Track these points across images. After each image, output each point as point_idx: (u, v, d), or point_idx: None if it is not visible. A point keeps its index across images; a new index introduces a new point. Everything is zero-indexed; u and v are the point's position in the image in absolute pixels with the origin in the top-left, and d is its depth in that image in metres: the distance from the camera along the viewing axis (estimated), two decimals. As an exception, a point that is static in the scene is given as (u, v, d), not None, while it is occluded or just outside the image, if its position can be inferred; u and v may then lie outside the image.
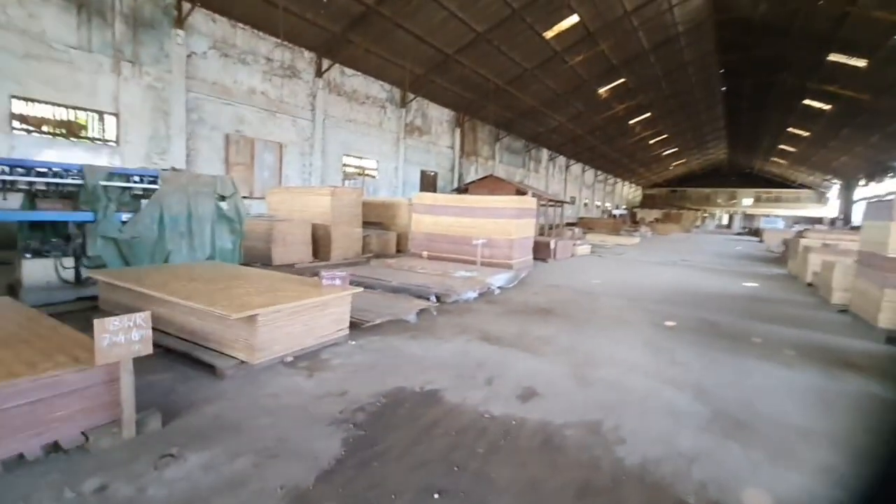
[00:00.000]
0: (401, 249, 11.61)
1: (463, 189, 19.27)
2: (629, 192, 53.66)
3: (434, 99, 20.57)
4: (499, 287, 7.63)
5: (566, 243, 13.25)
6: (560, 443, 2.81)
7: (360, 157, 17.61)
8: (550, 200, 19.82)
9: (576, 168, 36.29)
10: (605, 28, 18.48)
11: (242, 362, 3.60)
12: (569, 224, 27.99)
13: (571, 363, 4.26)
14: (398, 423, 2.96)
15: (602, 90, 24.30)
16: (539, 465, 2.56)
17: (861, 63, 19.43)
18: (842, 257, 8.22)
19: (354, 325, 4.81)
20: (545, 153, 31.45)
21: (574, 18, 17.03)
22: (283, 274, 5.35)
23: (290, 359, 3.89)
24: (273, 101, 14.09)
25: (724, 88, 29.25)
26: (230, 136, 13.00)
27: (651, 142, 36.57)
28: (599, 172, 41.75)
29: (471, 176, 22.88)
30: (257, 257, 8.87)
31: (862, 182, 34.15)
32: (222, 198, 6.94)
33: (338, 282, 4.39)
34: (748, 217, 46.44)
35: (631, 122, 30.25)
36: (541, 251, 11.63)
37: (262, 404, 3.14)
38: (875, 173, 31.59)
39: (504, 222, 9.25)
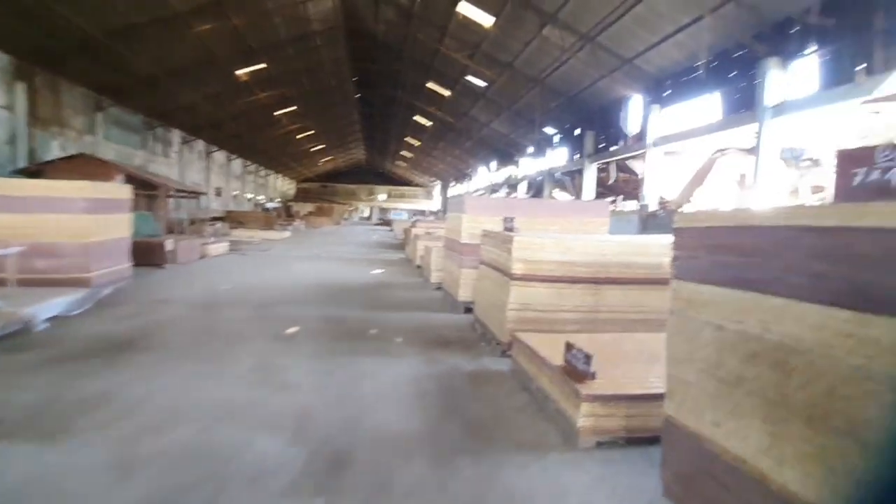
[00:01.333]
0: None
1: (34, 171, 13.34)
2: (283, 185, 53.32)
3: (-38, 27, 13.24)
4: (52, 317, 5.07)
5: (193, 243, 11.03)
6: None
7: None
8: (181, 191, 16.56)
9: (220, 156, 32.49)
10: (238, 2, 16.65)
11: None
12: (215, 219, 24.76)
13: (120, 437, 2.81)
14: None
15: (241, 72, 22.27)
16: None
17: (447, 92, 25.45)
18: (438, 243, 9.96)
19: None
20: (177, 135, 26.47)
21: (193, -25, 14.41)
22: None
23: None
24: None
25: (357, 95, 32.64)
26: None
27: (299, 136, 37.01)
28: (249, 163, 39.18)
29: (52, 153, 16.31)
30: None
31: (452, 183, 45.95)
32: None
33: None
34: (383, 210, 54.82)
35: (276, 112, 29.43)
36: (152, 255, 9.07)
37: None
38: (459, 177, 43.07)
39: (73, 219, 6.40)
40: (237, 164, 36.48)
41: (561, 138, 21.48)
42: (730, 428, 1.81)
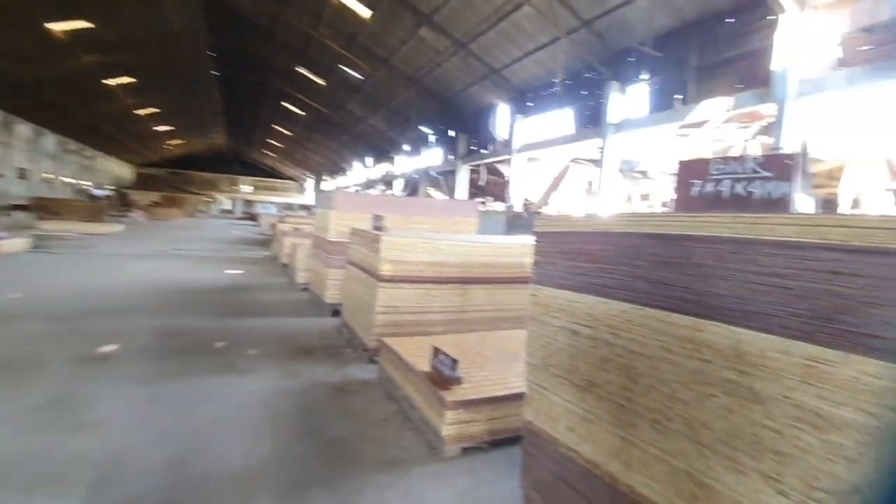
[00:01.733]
0: None
1: None
2: (119, 169, 45.15)
3: None
4: None
5: (-28, 237, 8.49)
6: None
7: None
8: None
9: (25, 129, 26.03)
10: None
11: None
12: (15, 207, 19.77)
13: None
14: None
15: (56, 28, 18.06)
16: None
17: (322, 81, 24.07)
18: (306, 240, 9.23)
19: None
20: (-43, 98, 20.50)
21: None
22: None
23: None
24: None
25: (217, 74, 29.03)
26: None
27: (140, 113, 31.58)
28: (69, 140, 32.21)
29: None
30: None
31: (326, 178, 43.93)
32: None
33: None
34: (248, 203, 49.97)
35: (108, 82, 24.63)
36: None
37: None
38: (334, 171, 41.36)
39: None
40: (51, 140, 29.77)
41: (437, 139, 21.90)
42: (582, 433, 1.81)
